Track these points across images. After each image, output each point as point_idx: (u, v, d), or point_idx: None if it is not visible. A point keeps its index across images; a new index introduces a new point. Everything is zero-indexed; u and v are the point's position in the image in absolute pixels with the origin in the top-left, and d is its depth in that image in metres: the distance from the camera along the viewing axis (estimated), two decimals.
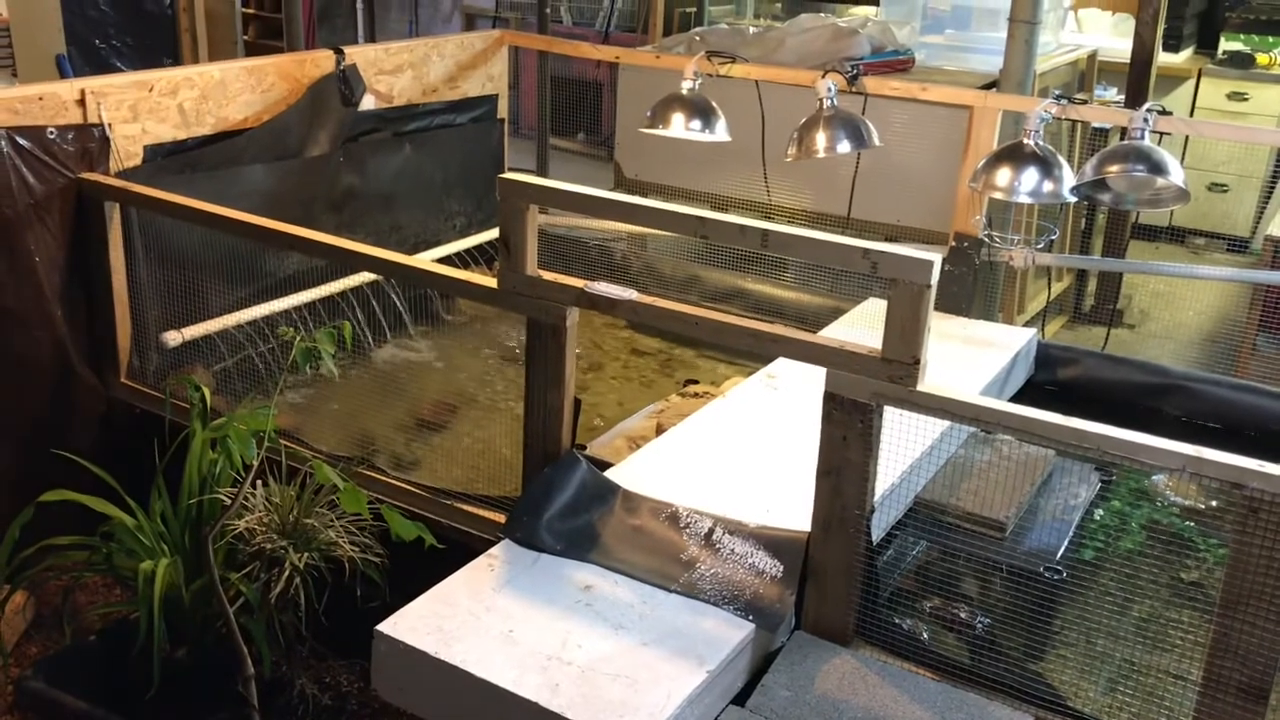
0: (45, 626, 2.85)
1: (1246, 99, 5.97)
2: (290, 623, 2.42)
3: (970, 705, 2.02)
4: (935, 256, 1.96)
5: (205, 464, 2.50)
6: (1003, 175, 2.99)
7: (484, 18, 7.33)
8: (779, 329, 2.25)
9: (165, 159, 3.17)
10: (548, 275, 2.36)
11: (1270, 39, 6.04)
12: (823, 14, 5.02)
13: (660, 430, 2.94)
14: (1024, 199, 3.01)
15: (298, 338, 2.32)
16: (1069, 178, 2.99)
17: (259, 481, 2.46)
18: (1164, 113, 3.11)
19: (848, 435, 2.07)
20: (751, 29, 4.74)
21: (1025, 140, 3.00)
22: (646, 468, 2.54)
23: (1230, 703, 1.80)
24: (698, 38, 4.64)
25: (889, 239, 3.93)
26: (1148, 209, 3.10)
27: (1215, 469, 1.77)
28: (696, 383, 3.59)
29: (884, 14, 5.14)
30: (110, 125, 3.00)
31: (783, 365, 3.03)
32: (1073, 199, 3.03)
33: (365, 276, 3.53)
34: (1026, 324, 4.13)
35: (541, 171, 5.32)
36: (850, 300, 3.63)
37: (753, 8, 6.45)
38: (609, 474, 2.48)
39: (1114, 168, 2.92)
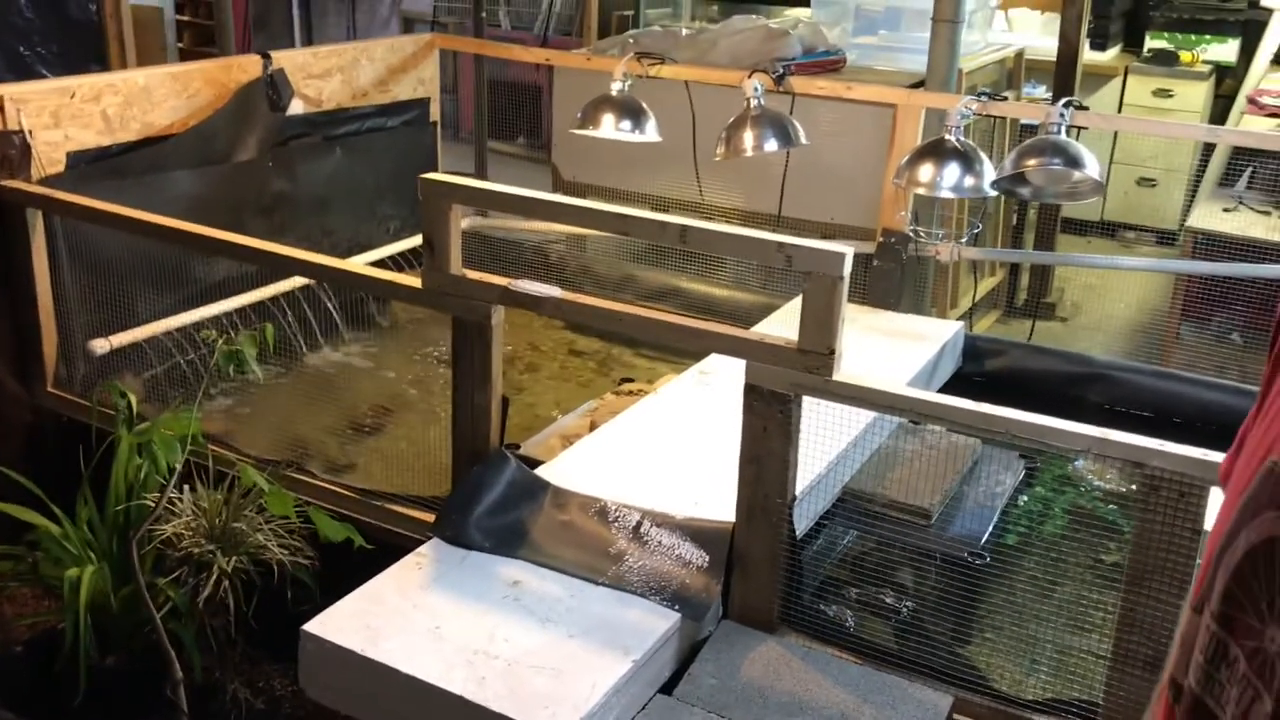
0: None
1: (1172, 95, 6.10)
2: (221, 627, 2.41)
3: (892, 687, 2.06)
4: (848, 249, 2.00)
5: (131, 470, 2.48)
6: (925, 171, 3.05)
7: (422, 23, 7.32)
8: (702, 323, 2.28)
9: (89, 165, 3.14)
10: (472, 274, 2.37)
11: (1193, 37, 6.19)
12: (755, 16, 5.06)
13: (594, 428, 2.96)
14: (946, 194, 3.07)
15: (219, 340, 2.31)
16: (990, 172, 3.06)
17: (186, 486, 2.45)
18: (1081, 108, 3.18)
19: (768, 425, 2.10)
20: (684, 31, 4.78)
21: (946, 136, 3.07)
22: (577, 464, 2.56)
23: (1138, 675, 1.86)
24: (631, 40, 4.67)
25: (824, 236, 3.97)
26: (1065, 201, 3.17)
27: (1118, 449, 1.83)
28: (632, 380, 3.62)
29: (816, 15, 5.20)
30: (31, 132, 2.97)
31: (715, 361, 3.06)
32: (993, 193, 3.10)
33: (296, 281, 3.52)
34: (959, 319, 4.20)
35: (480, 175, 5.33)
36: (784, 298, 3.67)
37: (689, 11, 6.49)
38: (540, 471, 2.49)
39: (1032, 161, 2.98)
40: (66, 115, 3.08)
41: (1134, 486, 2.85)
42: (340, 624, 2.05)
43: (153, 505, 2.34)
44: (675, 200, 4.25)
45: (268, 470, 2.50)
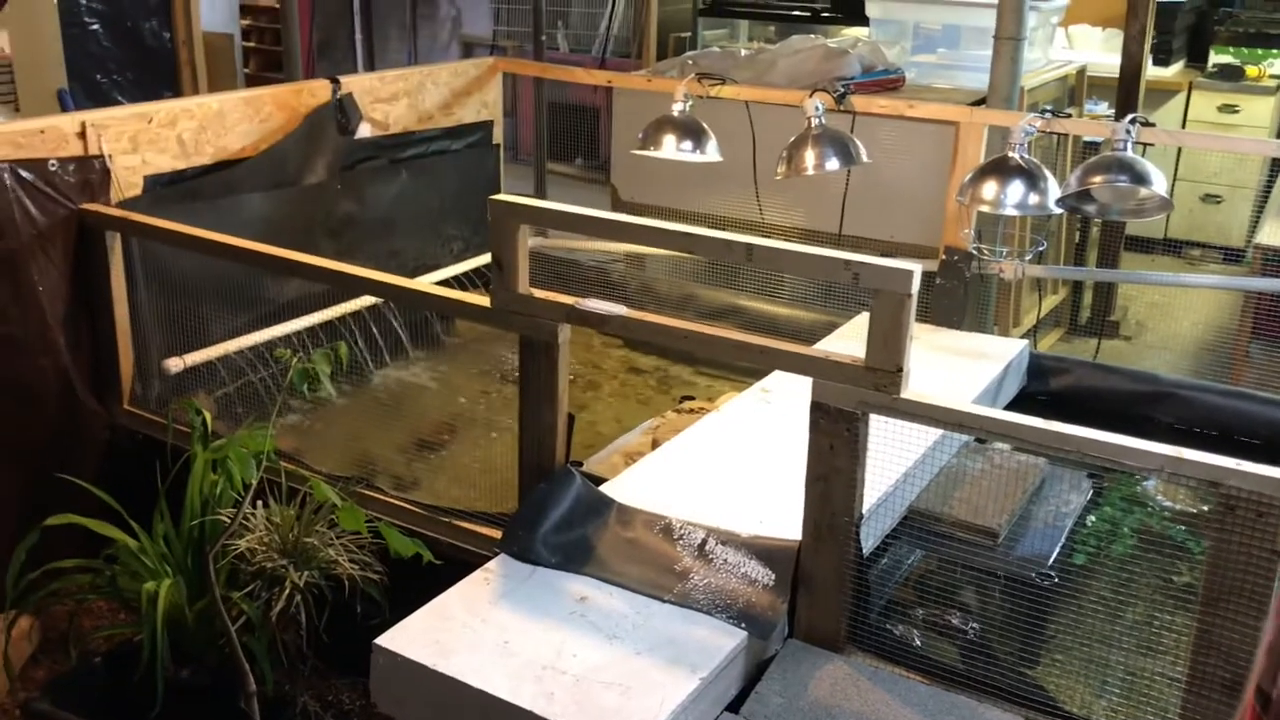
0: (51, 650, 2.89)
1: (1237, 111, 6.02)
2: (292, 641, 2.45)
3: (961, 708, 2.05)
4: (915, 266, 2.00)
5: (206, 486, 2.54)
6: (989, 189, 3.03)
7: (482, 46, 7.42)
8: (766, 341, 2.29)
9: (165, 189, 3.23)
10: (539, 293, 2.40)
11: (1259, 51, 6.10)
12: (813, 36, 5.08)
13: (656, 445, 2.98)
14: (1010, 211, 3.06)
15: (295, 359, 2.36)
16: (1054, 190, 3.04)
17: (260, 502, 2.50)
18: (1147, 124, 3.15)
19: (835, 444, 2.10)
20: (743, 52, 4.80)
21: (1010, 154, 3.05)
22: (641, 482, 2.58)
23: (1215, 699, 1.83)
24: (690, 61, 4.70)
25: (885, 254, 3.96)
26: (1132, 218, 3.14)
27: (1193, 469, 1.80)
28: (692, 399, 3.63)
29: (874, 34, 5.20)
30: (110, 156, 3.06)
31: (777, 379, 3.07)
32: (1058, 210, 3.08)
33: (364, 301, 3.58)
34: (1022, 337, 4.17)
35: (540, 195, 5.38)
36: (845, 315, 3.67)
37: (746, 31, 6.52)
38: (604, 488, 2.51)
39: (1097, 179, 2.96)
40: (144, 140, 3.16)
41: (1206, 507, 2.82)
42: (411, 638, 2.08)
43: (227, 520, 2.39)
44: (734, 219, 4.27)
45: (338, 486, 2.54)
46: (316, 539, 2.45)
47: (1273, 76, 6.07)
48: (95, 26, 4.54)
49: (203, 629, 2.51)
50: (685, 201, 4.41)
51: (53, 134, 2.96)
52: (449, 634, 2.09)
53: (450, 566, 2.39)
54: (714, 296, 4.20)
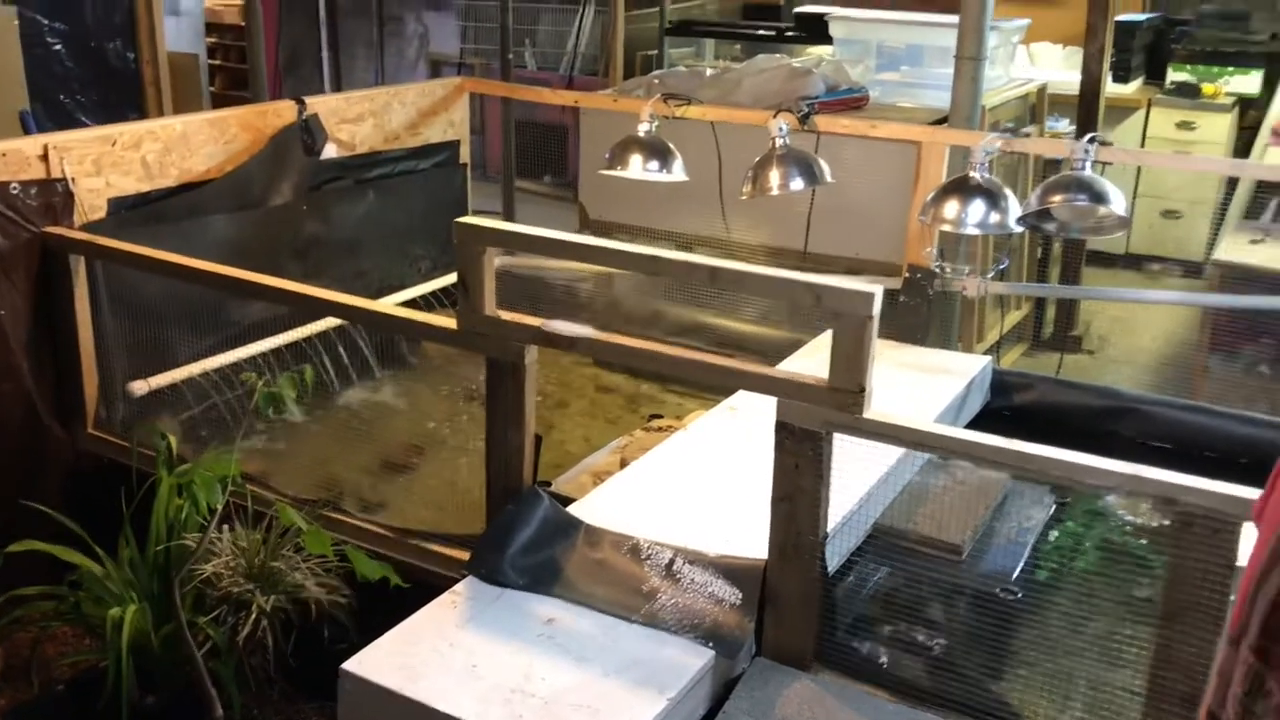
0: (14, 678, 2.85)
1: (1195, 128, 6.11)
2: (259, 665, 2.44)
3: None
4: (876, 288, 2.02)
5: (171, 510, 2.52)
6: (950, 208, 3.07)
7: (449, 64, 7.43)
8: (732, 361, 2.31)
9: (129, 211, 3.21)
10: (506, 315, 2.41)
11: (1215, 69, 6.20)
12: (778, 55, 5.12)
13: (624, 464, 2.99)
14: (972, 230, 3.09)
15: (259, 382, 2.36)
16: (1015, 208, 3.08)
17: (226, 526, 2.49)
18: (1105, 143, 3.20)
19: (800, 463, 2.12)
20: (709, 71, 4.84)
21: (971, 173, 3.09)
22: (609, 502, 2.59)
23: (1174, 712, 1.86)
24: (656, 80, 4.73)
25: (849, 272, 4.00)
26: (1091, 236, 3.19)
27: (1150, 486, 1.84)
28: (661, 417, 3.64)
29: (838, 54, 5.25)
30: (74, 179, 3.05)
31: (744, 397, 3.09)
32: (1019, 229, 3.12)
33: (330, 322, 3.57)
34: (986, 353, 4.21)
35: (508, 214, 5.39)
36: (810, 333, 3.70)
37: (712, 50, 6.56)
38: (572, 509, 2.52)
39: (1057, 197, 3.00)
40: (108, 163, 3.15)
41: (1166, 522, 2.86)
42: (378, 663, 2.08)
43: (193, 545, 2.38)
44: (701, 238, 4.29)
45: (305, 509, 2.54)
46: (283, 563, 2.45)
47: (1229, 94, 6.17)
48: (58, 47, 4.52)
49: (168, 655, 2.50)
50: (653, 220, 4.44)
51: (14, 156, 2.94)
52: (417, 658, 2.09)
53: (418, 589, 2.39)
54: (682, 314, 4.22)
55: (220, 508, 2.39)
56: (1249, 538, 1.77)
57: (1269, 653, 0.79)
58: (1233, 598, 1.80)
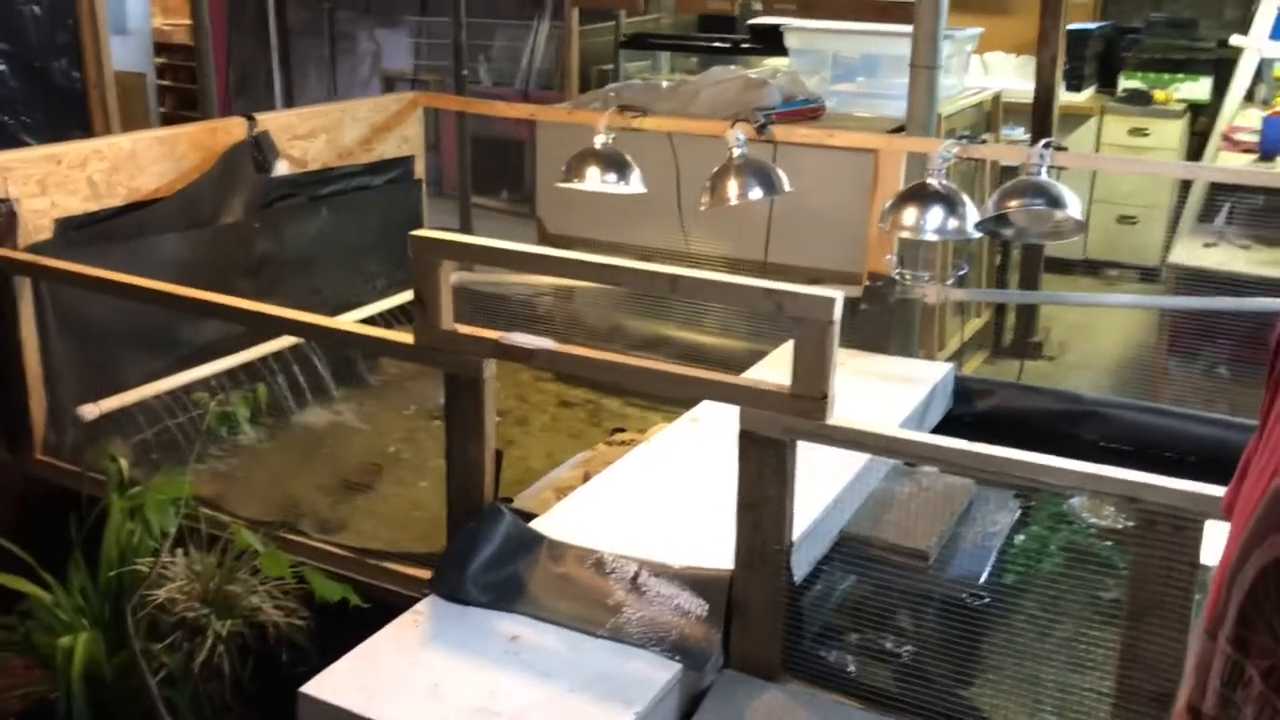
0: None
1: (1147, 134, 6.18)
2: (215, 692, 2.38)
3: None
4: (837, 294, 2.01)
5: (124, 535, 2.46)
6: (909, 215, 3.07)
7: (403, 80, 7.38)
8: (694, 371, 2.28)
9: (76, 231, 3.15)
10: (463, 329, 2.38)
11: (1166, 76, 6.28)
12: (734, 67, 5.12)
13: (587, 479, 2.95)
14: (930, 236, 3.10)
15: (212, 402, 2.31)
16: (973, 214, 3.08)
17: (180, 550, 2.43)
18: (1060, 149, 3.22)
19: (763, 471, 2.10)
20: (665, 83, 4.83)
21: (929, 180, 3.09)
22: (573, 516, 2.55)
23: (1142, 711, 1.85)
24: (612, 93, 4.71)
25: (810, 281, 3.99)
26: (1049, 240, 3.20)
27: (1111, 485, 1.83)
28: (624, 430, 3.61)
29: (794, 64, 5.26)
30: (18, 200, 2.98)
31: (706, 408, 3.07)
32: (977, 235, 3.12)
33: (286, 341, 3.52)
34: (948, 360, 4.22)
35: (465, 230, 5.35)
36: (773, 343, 3.69)
37: (668, 63, 6.57)
38: (535, 524, 2.48)
39: (1014, 203, 3.01)
40: (53, 182, 3.09)
41: (1130, 523, 2.86)
42: (337, 685, 2.03)
43: (146, 570, 2.32)
44: (662, 250, 4.27)
45: (261, 531, 2.48)
46: (239, 586, 2.39)
47: (1180, 100, 6.25)
48: (1, 67, 4.44)
49: (122, 683, 2.43)
50: (613, 233, 4.41)
51: None
52: (377, 679, 2.04)
53: (379, 610, 2.34)
54: (643, 327, 4.20)
55: (173, 531, 2.33)
56: (1211, 535, 1.77)
57: (1247, 642, 0.78)
58: (1199, 596, 1.79)
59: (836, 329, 2.00)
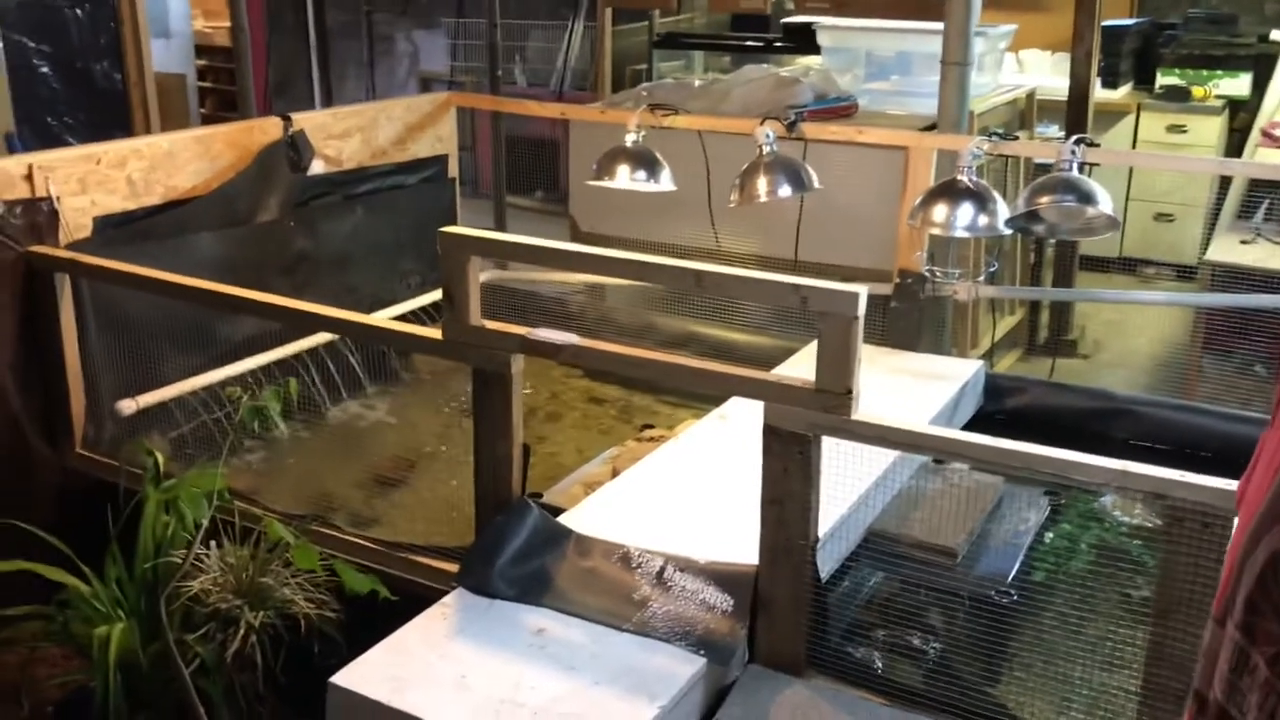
0: (4, 700, 2.83)
1: (1185, 131, 6.11)
2: (249, 682, 2.42)
3: None
4: (862, 289, 2.01)
5: (159, 527, 2.51)
6: (939, 211, 3.06)
7: (439, 82, 7.43)
8: (718, 366, 2.29)
9: (115, 229, 3.20)
10: (491, 324, 2.40)
11: (1204, 73, 6.21)
12: (766, 65, 5.12)
13: (616, 474, 2.97)
14: (961, 233, 3.08)
15: (244, 397, 2.34)
16: (1003, 211, 3.07)
17: (214, 542, 2.47)
18: (1092, 144, 3.20)
19: (788, 467, 2.11)
20: (697, 82, 4.84)
21: (959, 177, 3.08)
22: (600, 511, 2.57)
23: (1169, 710, 1.84)
24: (644, 92, 4.73)
25: (841, 279, 3.98)
26: (1080, 237, 3.18)
27: (1140, 482, 1.82)
28: (653, 427, 3.63)
29: (827, 63, 5.25)
30: (59, 198, 3.04)
31: (735, 405, 3.07)
32: (1007, 231, 3.11)
33: (320, 337, 3.56)
34: (980, 358, 4.19)
35: (499, 229, 5.38)
36: (803, 341, 3.69)
37: (701, 63, 6.57)
38: (563, 519, 2.50)
39: (1044, 199, 2.99)
40: (93, 181, 3.14)
41: (1159, 520, 2.84)
42: (367, 675, 2.06)
43: (180, 562, 2.36)
44: (693, 248, 4.28)
45: (293, 525, 2.52)
46: (272, 578, 2.43)
47: (1218, 97, 6.17)
48: (44, 69, 4.51)
49: (157, 673, 2.47)
50: (644, 231, 4.43)
51: None
52: (406, 670, 2.07)
53: (408, 603, 2.36)
54: (674, 325, 4.21)
55: (206, 523, 2.37)
56: None
57: (1253, 628, 0.78)
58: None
59: (860, 324, 2.01)
